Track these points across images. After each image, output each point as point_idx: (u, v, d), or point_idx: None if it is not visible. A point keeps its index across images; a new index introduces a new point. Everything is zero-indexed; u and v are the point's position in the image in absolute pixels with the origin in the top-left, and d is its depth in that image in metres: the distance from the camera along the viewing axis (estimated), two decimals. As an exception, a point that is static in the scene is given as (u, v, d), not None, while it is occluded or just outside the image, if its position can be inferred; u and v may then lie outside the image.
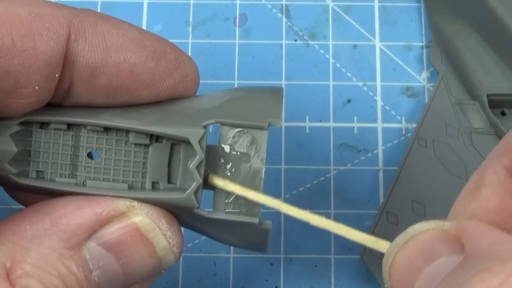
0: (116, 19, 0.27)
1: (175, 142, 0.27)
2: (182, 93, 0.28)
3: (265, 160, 0.26)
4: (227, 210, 0.27)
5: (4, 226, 0.25)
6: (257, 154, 0.26)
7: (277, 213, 0.37)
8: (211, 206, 0.27)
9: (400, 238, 0.22)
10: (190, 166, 0.26)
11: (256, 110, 0.27)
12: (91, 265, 0.25)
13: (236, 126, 0.26)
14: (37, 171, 0.27)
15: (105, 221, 0.25)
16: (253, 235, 0.28)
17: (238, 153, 0.27)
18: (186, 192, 0.26)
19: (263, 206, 0.27)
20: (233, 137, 0.26)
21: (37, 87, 0.25)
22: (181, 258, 0.37)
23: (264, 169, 0.27)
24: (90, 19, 0.26)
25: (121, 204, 0.26)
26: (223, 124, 0.26)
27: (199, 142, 0.26)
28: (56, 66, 0.25)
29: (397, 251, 0.22)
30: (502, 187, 0.23)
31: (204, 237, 0.36)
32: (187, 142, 0.26)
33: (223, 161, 0.27)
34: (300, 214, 0.27)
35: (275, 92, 0.28)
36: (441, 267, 0.20)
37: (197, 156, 0.26)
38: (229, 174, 0.27)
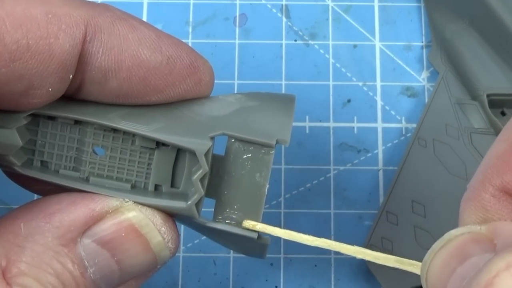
0: (134, 20, 0.26)
1: (181, 149, 0.27)
2: (195, 97, 0.28)
3: (268, 178, 0.26)
4: (227, 221, 0.27)
5: None
6: (262, 170, 0.26)
7: (277, 213, 0.37)
8: (211, 206, 0.27)
9: (436, 244, 0.22)
10: (194, 178, 0.25)
11: (265, 125, 0.26)
12: (86, 262, 0.25)
13: (244, 140, 0.26)
14: (41, 161, 0.27)
15: (98, 217, 0.25)
16: (251, 246, 0.28)
17: (243, 167, 0.26)
18: (188, 203, 0.26)
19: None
20: (240, 150, 0.26)
21: (50, 89, 0.25)
22: (181, 258, 0.37)
23: (267, 186, 0.26)
24: (108, 19, 0.25)
25: (115, 200, 0.26)
26: (230, 137, 0.26)
27: (204, 154, 0.25)
28: (70, 68, 0.25)
29: (433, 256, 0.22)
30: (507, 208, 0.23)
31: (204, 237, 0.36)
32: (193, 152, 0.26)
33: (227, 172, 0.26)
34: (338, 247, 0.26)
35: (287, 105, 0.28)
36: (473, 265, 0.21)
37: (201, 169, 0.25)
38: (232, 186, 0.26)
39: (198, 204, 0.26)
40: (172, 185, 0.27)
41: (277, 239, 0.37)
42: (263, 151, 0.26)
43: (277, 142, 0.26)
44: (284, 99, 0.28)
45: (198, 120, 0.27)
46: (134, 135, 0.27)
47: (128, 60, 0.26)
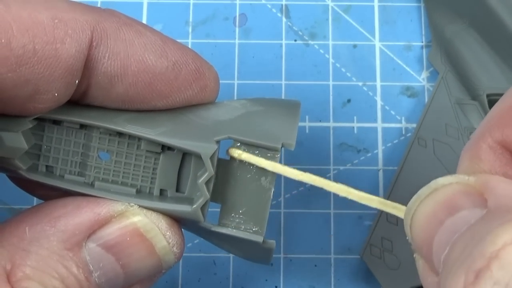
0: (139, 26, 0.26)
1: (187, 152, 0.27)
2: (200, 102, 0.28)
3: (274, 182, 0.26)
4: (232, 226, 0.27)
5: (4, 229, 0.25)
6: (267, 174, 0.26)
7: (277, 213, 0.37)
8: (216, 212, 0.27)
9: (422, 191, 0.22)
10: (199, 182, 0.26)
11: (270, 129, 0.26)
12: (91, 266, 0.25)
13: (249, 144, 0.26)
14: (46, 166, 0.27)
15: (103, 221, 0.25)
16: (256, 251, 0.28)
17: (249, 170, 0.26)
18: (193, 207, 0.26)
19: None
20: (245, 153, 0.26)
21: (56, 94, 0.25)
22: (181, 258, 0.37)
23: (272, 190, 0.26)
24: (114, 25, 0.25)
25: (120, 204, 0.26)
26: (236, 140, 0.26)
27: (210, 158, 0.25)
28: (76, 73, 0.25)
29: (419, 203, 0.22)
30: (500, 160, 0.23)
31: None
32: (199, 155, 0.26)
33: (232, 176, 0.26)
34: (321, 183, 0.26)
35: (292, 110, 0.28)
36: (463, 219, 0.20)
37: (207, 173, 0.25)
38: (237, 190, 0.26)
39: (203, 208, 0.26)
40: (178, 190, 0.27)
41: (278, 240, 0.37)
42: (269, 154, 0.26)
43: (282, 145, 0.26)
44: (289, 105, 0.28)
45: (203, 124, 0.27)
46: (139, 139, 0.27)
47: (134, 65, 0.26)
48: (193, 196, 0.26)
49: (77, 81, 0.25)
